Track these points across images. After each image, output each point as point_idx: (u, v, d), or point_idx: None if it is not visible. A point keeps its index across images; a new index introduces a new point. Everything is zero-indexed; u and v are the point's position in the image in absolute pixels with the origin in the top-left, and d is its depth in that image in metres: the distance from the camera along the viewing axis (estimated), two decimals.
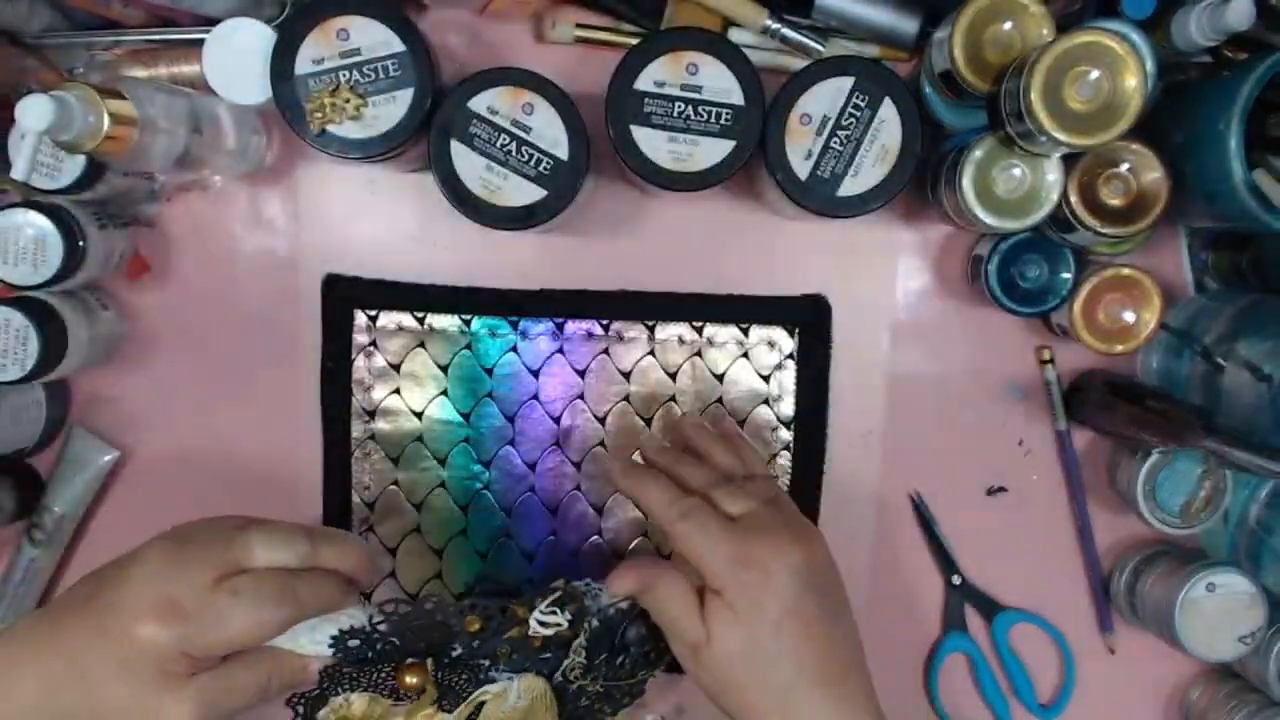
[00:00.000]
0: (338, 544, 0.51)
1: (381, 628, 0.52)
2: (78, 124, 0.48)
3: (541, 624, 0.53)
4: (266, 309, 0.64)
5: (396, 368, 0.64)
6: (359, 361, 0.64)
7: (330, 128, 0.53)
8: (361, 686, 0.53)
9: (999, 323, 0.65)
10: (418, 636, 0.52)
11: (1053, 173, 0.56)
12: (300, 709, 0.53)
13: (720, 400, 0.65)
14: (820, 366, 0.65)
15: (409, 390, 0.64)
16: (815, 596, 0.51)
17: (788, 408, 0.65)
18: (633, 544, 0.66)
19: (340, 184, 0.64)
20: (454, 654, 0.53)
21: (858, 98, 0.54)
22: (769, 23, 0.60)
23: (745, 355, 0.65)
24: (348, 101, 0.53)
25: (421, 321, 0.64)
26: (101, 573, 0.49)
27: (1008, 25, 0.54)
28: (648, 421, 0.65)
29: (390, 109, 0.53)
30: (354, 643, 0.51)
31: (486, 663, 0.53)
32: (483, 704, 0.53)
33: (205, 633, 0.46)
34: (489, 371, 0.64)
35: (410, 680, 0.52)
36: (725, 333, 0.64)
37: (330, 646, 0.51)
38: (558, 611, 0.53)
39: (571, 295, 0.64)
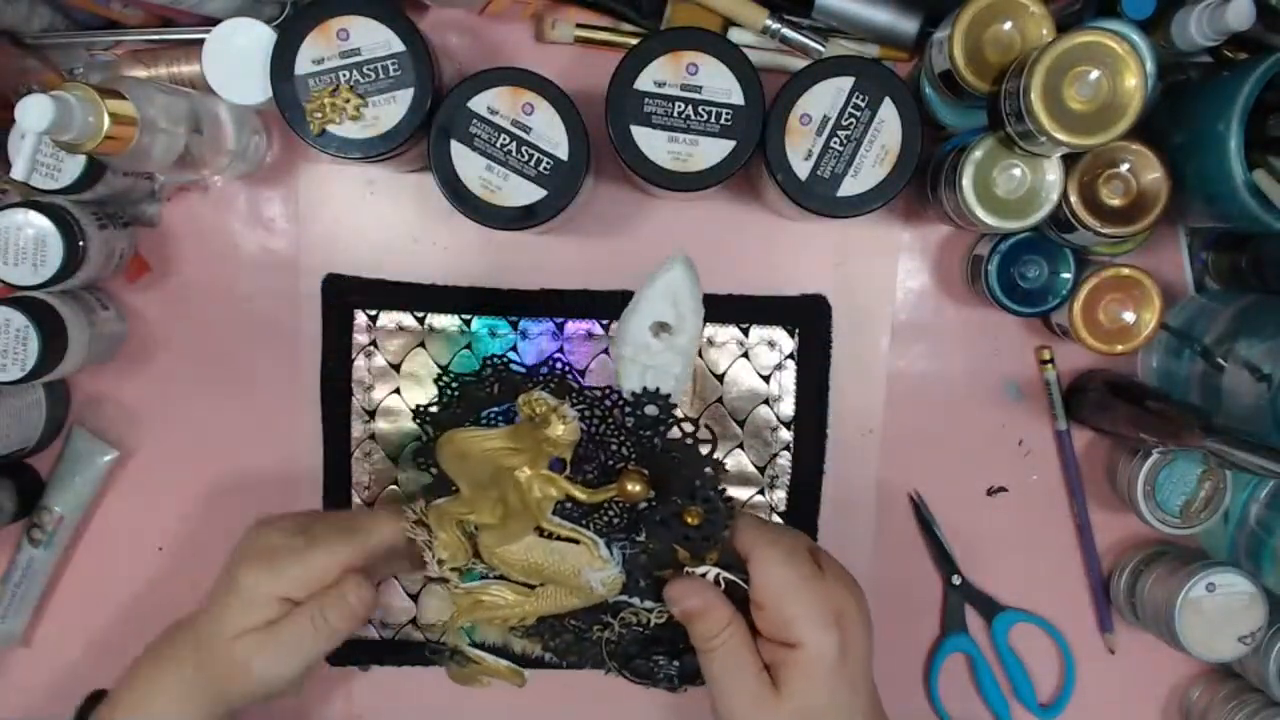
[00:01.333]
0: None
1: (671, 433, 0.53)
2: (78, 124, 0.48)
3: (704, 572, 0.53)
4: (266, 309, 0.64)
5: (396, 368, 0.64)
6: (359, 361, 0.64)
7: (330, 128, 0.53)
8: (592, 425, 0.53)
9: (999, 323, 0.65)
10: (662, 466, 0.53)
11: (1053, 173, 0.55)
12: (566, 375, 0.56)
13: (720, 400, 0.65)
14: (820, 366, 0.65)
15: (409, 390, 0.64)
16: (870, 645, 0.51)
17: (788, 408, 0.65)
18: None
19: (340, 184, 0.64)
20: (649, 504, 0.53)
21: (858, 98, 0.54)
22: (769, 23, 0.60)
23: (745, 355, 0.65)
24: (348, 101, 0.53)
25: (421, 321, 0.64)
26: None
27: (1008, 25, 0.53)
28: None
29: (390, 109, 0.53)
30: (651, 409, 0.53)
31: (640, 537, 0.54)
32: (575, 542, 0.53)
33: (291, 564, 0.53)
34: None
35: (631, 487, 0.52)
36: (725, 333, 0.64)
37: (631, 398, 0.54)
38: (721, 583, 0.53)
39: (571, 295, 0.64)
